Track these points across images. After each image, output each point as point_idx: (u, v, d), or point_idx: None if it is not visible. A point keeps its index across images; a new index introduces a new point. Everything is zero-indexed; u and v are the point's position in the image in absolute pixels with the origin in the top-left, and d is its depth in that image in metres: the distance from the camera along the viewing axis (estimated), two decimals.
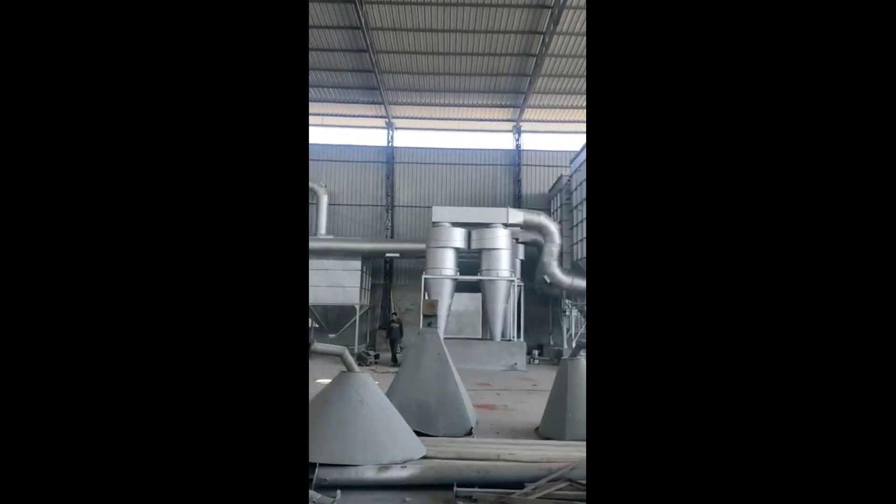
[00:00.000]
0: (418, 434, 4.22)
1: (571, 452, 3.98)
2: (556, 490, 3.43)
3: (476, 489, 3.40)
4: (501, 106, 17.03)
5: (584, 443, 4.63)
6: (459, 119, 17.86)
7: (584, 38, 13.14)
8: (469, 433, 5.09)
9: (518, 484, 3.51)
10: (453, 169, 17.80)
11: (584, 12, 12.13)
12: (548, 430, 5.37)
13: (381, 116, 17.59)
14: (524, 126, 17.86)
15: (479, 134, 18.32)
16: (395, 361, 12.18)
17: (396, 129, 18.10)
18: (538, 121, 17.72)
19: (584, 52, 13.70)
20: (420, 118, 17.90)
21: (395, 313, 15.36)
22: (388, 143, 17.99)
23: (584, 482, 3.50)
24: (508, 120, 17.76)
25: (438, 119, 17.90)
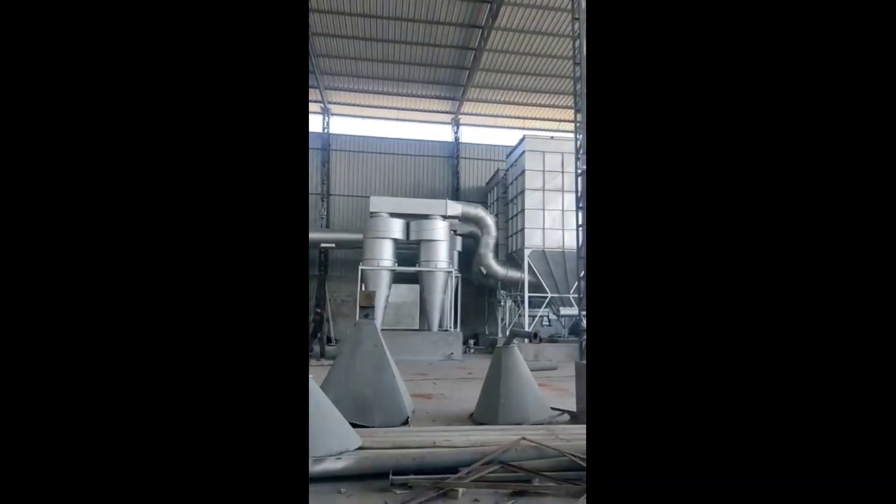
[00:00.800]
0: (354, 426, 4.19)
1: (503, 436, 4.15)
2: (489, 473, 3.56)
3: (412, 476, 3.44)
4: (441, 97, 17.06)
5: (516, 426, 4.84)
6: (398, 108, 17.68)
7: (521, 35, 13.49)
8: (405, 422, 5.13)
9: (453, 469, 3.60)
10: (392, 158, 17.62)
11: (521, 9, 12.43)
12: (482, 415, 5.54)
13: (316, 101, 16.98)
14: (463, 119, 18.03)
15: (418, 125, 18.25)
16: (321, 354, 11.96)
17: (332, 115, 17.56)
18: (477, 114, 17.97)
19: (522, 49, 14.11)
20: (357, 105, 17.50)
21: (318, 307, 15.04)
22: (324, 129, 17.42)
23: (516, 464, 3.67)
24: (447, 112, 17.84)
25: (376, 107, 17.60)
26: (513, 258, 14.34)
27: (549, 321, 14.89)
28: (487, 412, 5.49)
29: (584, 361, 5.91)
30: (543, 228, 13.31)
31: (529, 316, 13.37)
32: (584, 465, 3.66)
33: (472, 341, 15.36)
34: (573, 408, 5.89)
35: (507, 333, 8.41)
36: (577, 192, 6.41)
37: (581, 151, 6.37)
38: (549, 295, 13.48)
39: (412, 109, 17.75)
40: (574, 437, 4.21)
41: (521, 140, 14.03)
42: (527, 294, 13.20)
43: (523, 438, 3.97)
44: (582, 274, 6.28)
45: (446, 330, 13.36)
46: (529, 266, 13.23)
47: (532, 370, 6.39)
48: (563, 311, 13.94)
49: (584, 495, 3.25)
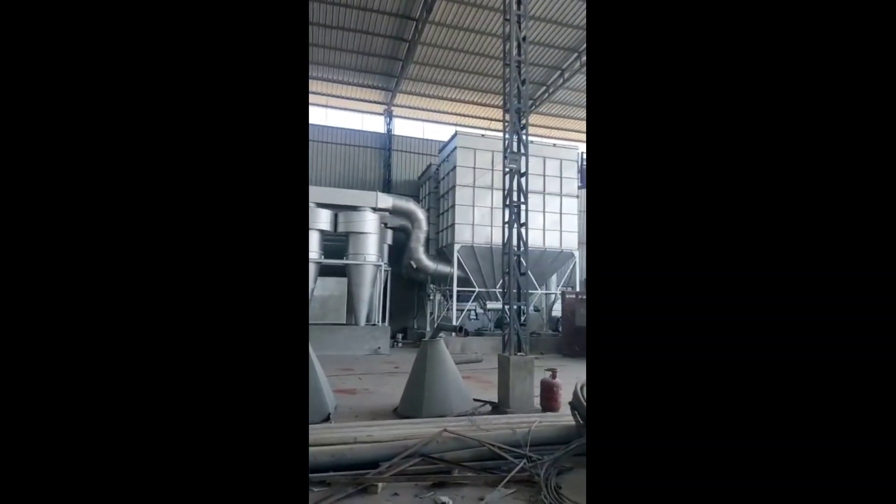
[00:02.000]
0: None
1: (426, 429, 4.17)
2: (410, 466, 3.57)
3: (330, 473, 3.36)
4: (373, 87, 16.73)
5: (440, 419, 4.90)
6: (328, 95, 17.08)
7: (455, 32, 13.58)
8: (327, 419, 5.01)
9: (373, 464, 3.57)
10: (320, 146, 17.01)
11: (455, 5, 12.50)
12: (406, 409, 5.55)
13: None
14: (396, 111, 17.83)
15: (349, 113, 17.77)
16: None
17: None
18: (410, 107, 17.85)
19: (456, 46, 14.20)
20: None
21: None
22: None
23: (436, 456, 3.71)
24: (380, 103, 17.55)
25: None
26: (443, 253, 14.47)
27: (477, 315, 15.24)
28: (411, 406, 5.50)
29: (507, 354, 6.12)
30: (473, 224, 13.56)
31: (457, 310, 13.59)
32: (502, 454, 3.79)
33: (400, 335, 15.33)
34: (496, 399, 6.07)
35: (435, 327, 8.48)
36: (504, 189, 6.60)
37: (508, 150, 6.56)
38: (477, 289, 13.79)
39: (343, 97, 17.23)
40: (494, 427, 4.34)
41: (454, 136, 14.16)
42: (455, 288, 13.39)
43: (445, 430, 4.02)
44: (506, 269, 6.48)
45: (374, 324, 13.21)
46: (459, 261, 13.43)
47: (457, 363, 6.50)
48: (490, 305, 14.32)
49: (502, 483, 3.36)
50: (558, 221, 14.32)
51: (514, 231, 6.40)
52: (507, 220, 6.49)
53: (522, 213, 6.47)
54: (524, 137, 6.58)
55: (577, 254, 14.74)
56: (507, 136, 6.61)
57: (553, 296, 15.58)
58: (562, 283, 15.44)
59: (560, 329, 13.84)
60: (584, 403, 4.25)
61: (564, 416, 4.69)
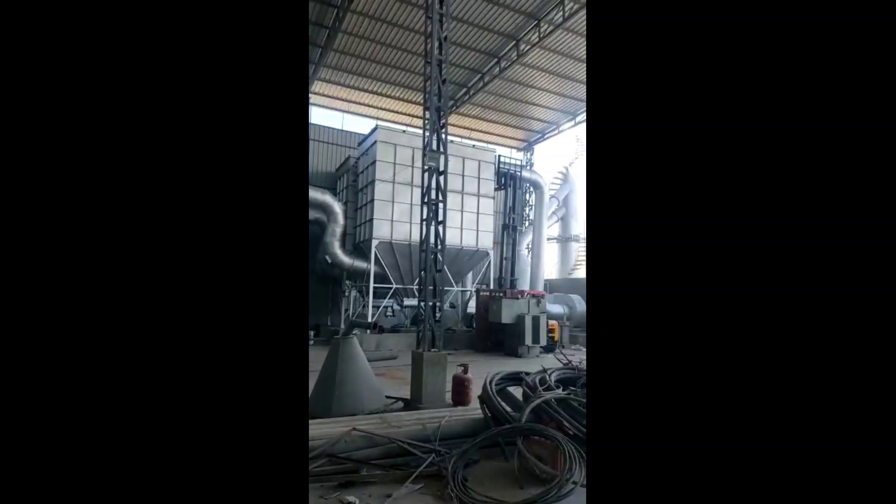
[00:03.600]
0: None
1: (335, 429, 4.06)
2: (316, 467, 3.45)
3: None
4: None
5: (350, 418, 4.79)
6: None
7: (378, 24, 13.35)
8: None
9: None
10: None
11: None
12: (315, 408, 5.36)
13: None
14: (314, 99, 17.11)
15: None
16: None
17: None
18: (329, 96, 17.23)
19: (378, 38, 13.96)
20: None
21: None
22: None
23: (344, 455, 3.63)
24: None
25: None
26: (360, 248, 14.18)
27: (393, 312, 15.17)
28: (321, 404, 5.33)
29: (421, 350, 6.15)
30: (392, 220, 13.45)
31: (374, 306, 13.41)
32: (412, 450, 3.80)
33: (312, 332, 14.78)
34: (409, 395, 6.08)
35: (348, 324, 8.29)
36: (422, 187, 6.61)
37: (428, 148, 6.58)
38: (395, 286, 13.71)
39: None
40: (405, 424, 4.35)
41: (374, 129, 13.92)
42: (372, 285, 13.20)
43: (354, 429, 3.94)
44: (423, 266, 6.51)
45: None
46: (376, 257, 13.25)
47: (372, 360, 6.42)
48: (407, 301, 14.32)
49: (410, 479, 3.37)
50: (475, 221, 14.70)
51: (432, 228, 6.45)
52: (425, 217, 6.52)
53: (440, 212, 6.54)
54: (444, 136, 6.65)
55: (491, 253, 15.23)
56: (427, 133, 6.63)
57: (468, 293, 15.98)
58: (477, 281, 15.89)
59: (474, 325, 14.23)
60: (494, 396, 4.40)
61: (474, 410, 4.82)
